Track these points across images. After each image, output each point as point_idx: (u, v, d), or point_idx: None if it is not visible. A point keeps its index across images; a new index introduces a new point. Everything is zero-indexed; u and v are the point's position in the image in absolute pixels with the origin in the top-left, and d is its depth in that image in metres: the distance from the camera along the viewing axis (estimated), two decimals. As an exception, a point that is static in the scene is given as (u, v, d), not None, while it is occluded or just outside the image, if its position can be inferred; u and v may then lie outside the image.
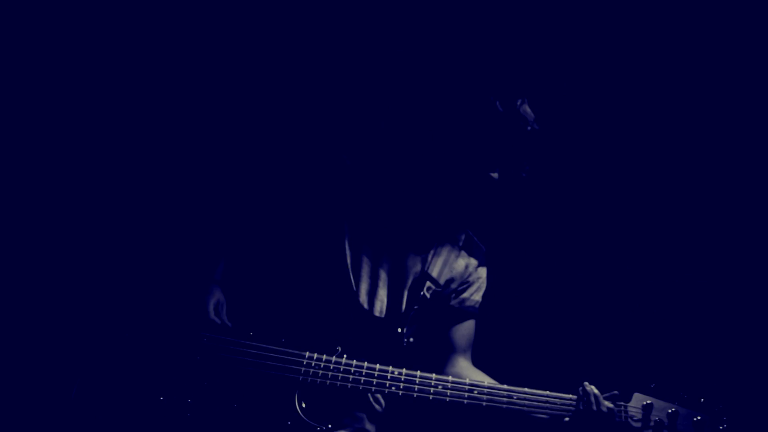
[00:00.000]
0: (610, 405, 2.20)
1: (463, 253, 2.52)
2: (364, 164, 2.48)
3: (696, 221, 3.05)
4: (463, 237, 2.55)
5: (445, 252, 2.48)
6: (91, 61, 2.88)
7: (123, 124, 2.91)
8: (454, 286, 2.49)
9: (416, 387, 2.20)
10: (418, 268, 2.42)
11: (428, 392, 2.20)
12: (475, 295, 2.52)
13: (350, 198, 2.43)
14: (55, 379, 2.28)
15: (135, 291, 2.30)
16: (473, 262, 2.53)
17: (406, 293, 2.39)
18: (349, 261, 2.36)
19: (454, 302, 2.49)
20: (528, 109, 2.36)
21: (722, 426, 2.18)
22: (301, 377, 2.19)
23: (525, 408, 2.21)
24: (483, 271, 2.55)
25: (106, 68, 2.89)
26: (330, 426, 2.18)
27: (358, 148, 2.52)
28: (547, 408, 2.22)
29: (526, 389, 2.23)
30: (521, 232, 3.20)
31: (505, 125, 2.32)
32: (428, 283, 2.41)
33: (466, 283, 2.51)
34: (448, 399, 2.20)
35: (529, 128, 2.33)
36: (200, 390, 2.17)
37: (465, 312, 2.50)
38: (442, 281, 2.45)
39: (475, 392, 2.21)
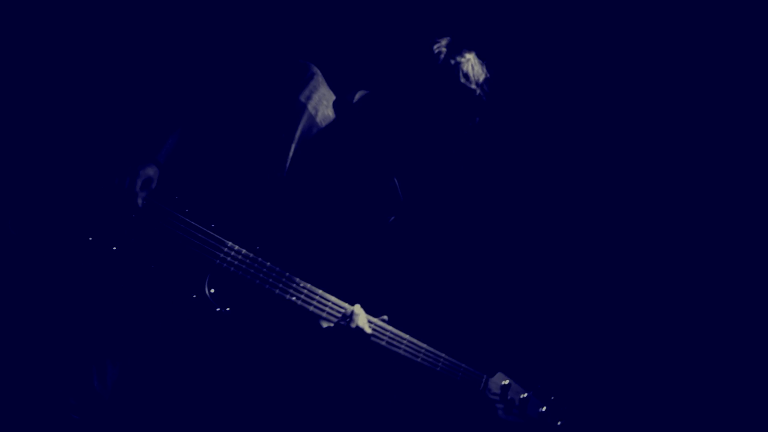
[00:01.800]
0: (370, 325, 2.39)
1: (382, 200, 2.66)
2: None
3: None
4: (392, 185, 2.69)
5: (377, 192, 2.63)
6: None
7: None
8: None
9: (314, 303, 2.43)
10: (350, 196, 2.58)
11: (323, 311, 2.43)
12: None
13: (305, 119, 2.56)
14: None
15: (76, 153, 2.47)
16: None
17: (332, 213, 2.55)
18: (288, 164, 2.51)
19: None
20: (473, 65, 2.38)
21: (559, 422, 2.46)
22: (217, 261, 2.40)
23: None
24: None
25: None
26: (228, 309, 2.40)
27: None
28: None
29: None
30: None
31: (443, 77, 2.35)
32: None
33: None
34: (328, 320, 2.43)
35: (472, 86, 2.35)
36: (125, 244, 2.37)
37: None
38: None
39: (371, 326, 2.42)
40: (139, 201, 2.35)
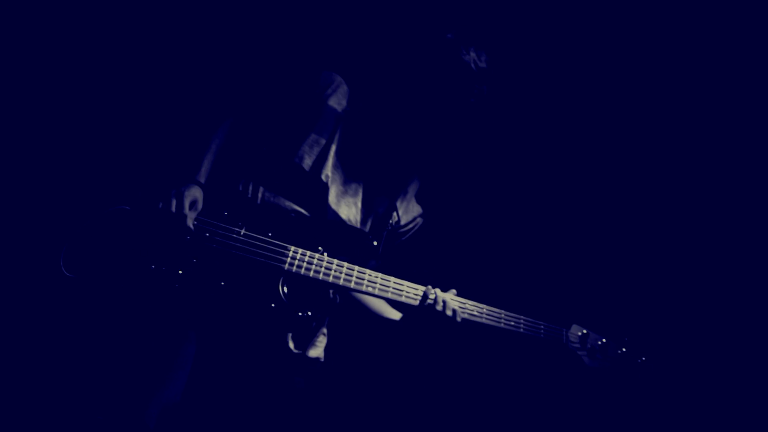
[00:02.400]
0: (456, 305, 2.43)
1: (414, 199, 2.77)
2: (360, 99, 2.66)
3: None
4: (418, 185, 2.78)
5: (409, 194, 2.72)
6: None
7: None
8: (406, 227, 2.74)
9: (390, 289, 2.42)
10: (389, 198, 2.65)
11: (401, 295, 2.42)
12: (408, 237, 2.77)
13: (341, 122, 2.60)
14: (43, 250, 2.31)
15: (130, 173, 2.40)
16: (419, 209, 2.78)
17: (374, 213, 2.61)
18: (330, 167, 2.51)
19: (397, 241, 2.74)
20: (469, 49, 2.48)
21: (641, 359, 2.54)
22: (286, 266, 2.36)
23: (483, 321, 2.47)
24: (420, 222, 2.79)
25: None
26: (310, 313, 2.36)
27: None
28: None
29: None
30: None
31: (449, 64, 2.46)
32: (395, 215, 2.65)
33: (411, 227, 2.76)
34: (417, 304, 2.43)
35: (473, 66, 2.46)
36: (189, 265, 2.30)
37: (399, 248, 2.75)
38: (403, 221, 2.69)
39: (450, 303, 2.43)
40: (190, 222, 2.29)
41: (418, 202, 2.76)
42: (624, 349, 2.55)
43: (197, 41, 3.02)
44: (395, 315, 2.60)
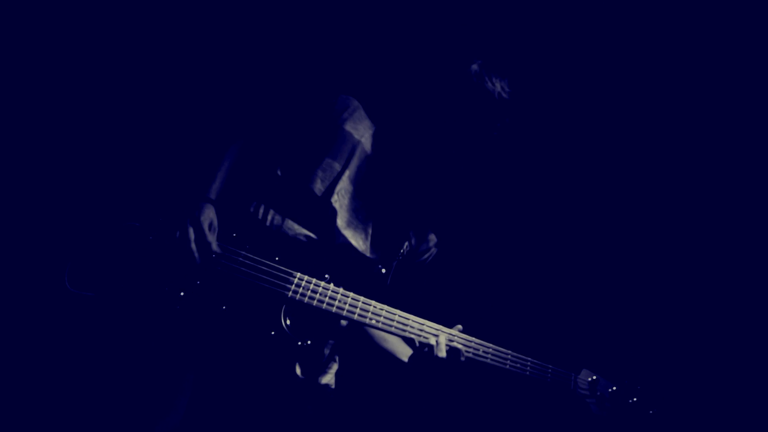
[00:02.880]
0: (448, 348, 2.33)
1: (428, 229, 2.68)
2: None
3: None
4: (433, 215, 2.70)
5: (423, 223, 2.65)
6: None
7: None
8: (420, 256, 2.67)
9: (394, 324, 2.36)
10: (401, 226, 2.59)
11: (405, 330, 2.37)
12: (422, 266, 2.69)
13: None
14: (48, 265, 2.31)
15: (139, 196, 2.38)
16: (434, 239, 2.69)
17: (386, 240, 2.55)
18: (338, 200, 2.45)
19: (417, 269, 2.68)
20: (492, 79, 2.41)
21: (651, 411, 2.44)
22: (289, 294, 2.32)
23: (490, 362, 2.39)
24: (435, 251, 2.71)
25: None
26: (309, 342, 2.32)
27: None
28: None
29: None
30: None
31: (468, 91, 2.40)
32: (406, 245, 2.59)
33: (425, 257, 2.69)
34: (421, 340, 2.37)
35: (496, 94, 2.39)
36: (193, 287, 2.27)
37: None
38: (416, 249, 2.64)
39: (454, 342, 2.36)
40: (215, 247, 2.27)
41: (433, 231, 2.70)
42: (635, 399, 2.45)
43: (214, 59, 3.00)
44: (404, 352, 2.53)
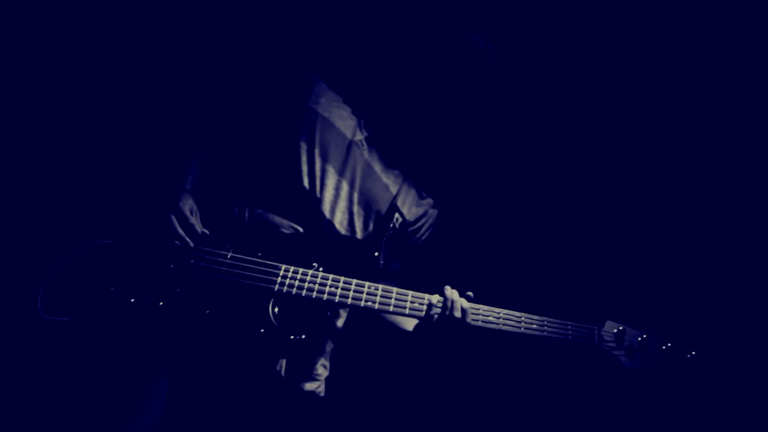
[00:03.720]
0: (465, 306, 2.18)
1: (419, 193, 2.53)
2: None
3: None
4: (422, 178, 2.55)
5: (411, 188, 2.48)
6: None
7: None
8: (416, 224, 2.51)
9: (392, 303, 2.19)
10: (387, 198, 2.42)
11: (404, 307, 2.19)
12: (426, 233, 2.54)
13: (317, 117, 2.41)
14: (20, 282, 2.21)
15: (108, 197, 2.28)
16: (430, 201, 2.54)
17: (373, 217, 2.39)
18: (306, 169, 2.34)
19: (412, 240, 2.52)
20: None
21: (690, 354, 2.21)
22: (276, 287, 2.16)
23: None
24: (434, 213, 2.56)
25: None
26: (303, 336, 2.15)
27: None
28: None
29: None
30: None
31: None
32: (397, 216, 2.42)
33: (423, 222, 2.52)
34: (423, 314, 2.19)
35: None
36: (173, 295, 2.13)
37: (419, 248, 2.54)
38: (410, 217, 2.46)
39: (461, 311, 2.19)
40: (200, 228, 2.20)
41: (428, 195, 2.53)
42: (669, 344, 2.22)
43: (171, 52, 2.87)
44: (409, 325, 2.36)
